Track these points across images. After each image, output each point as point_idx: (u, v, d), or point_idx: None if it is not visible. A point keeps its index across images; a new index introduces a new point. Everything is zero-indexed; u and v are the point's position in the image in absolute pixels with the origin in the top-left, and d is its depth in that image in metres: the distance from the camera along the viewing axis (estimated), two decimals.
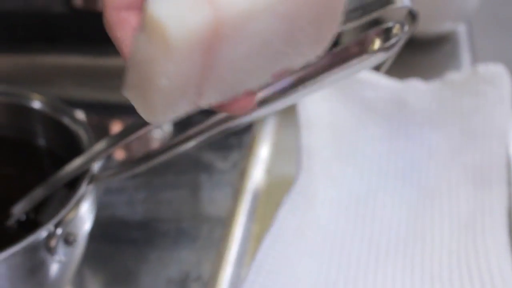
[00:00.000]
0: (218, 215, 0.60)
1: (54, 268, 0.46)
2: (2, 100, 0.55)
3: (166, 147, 0.47)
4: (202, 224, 0.59)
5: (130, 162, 0.48)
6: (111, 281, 0.57)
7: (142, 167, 0.48)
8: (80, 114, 0.53)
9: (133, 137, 0.46)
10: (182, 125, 0.46)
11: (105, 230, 0.58)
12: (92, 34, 0.85)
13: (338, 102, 0.63)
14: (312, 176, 0.56)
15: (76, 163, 0.48)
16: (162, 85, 0.33)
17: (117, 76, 0.89)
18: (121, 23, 0.36)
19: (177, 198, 0.62)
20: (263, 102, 0.42)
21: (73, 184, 0.48)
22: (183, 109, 0.35)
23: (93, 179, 0.47)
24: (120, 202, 0.61)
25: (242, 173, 0.64)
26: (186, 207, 0.62)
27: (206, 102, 0.35)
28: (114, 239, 0.59)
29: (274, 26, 0.33)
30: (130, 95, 0.35)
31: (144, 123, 0.45)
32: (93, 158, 0.47)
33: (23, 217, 0.51)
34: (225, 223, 0.59)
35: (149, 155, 0.47)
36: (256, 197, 0.62)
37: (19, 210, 0.50)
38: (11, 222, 0.50)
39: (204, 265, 0.56)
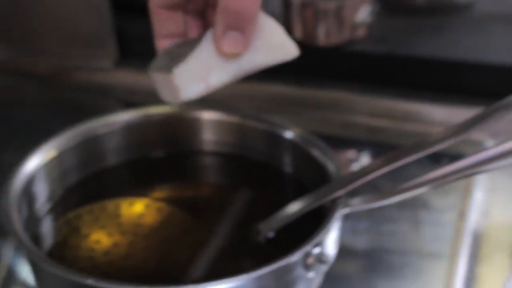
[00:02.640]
0: (440, 251, 0.63)
1: (304, 284, 0.50)
2: (260, 127, 0.61)
3: (415, 185, 0.50)
4: (426, 259, 0.62)
5: (379, 195, 0.51)
6: None
7: (390, 201, 0.51)
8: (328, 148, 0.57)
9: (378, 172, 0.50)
10: None
11: None
12: (309, 68, 0.90)
13: None
14: None
15: (330, 189, 0.52)
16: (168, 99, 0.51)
17: (329, 108, 0.93)
18: (158, 18, 0.50)
19: (398, 231, 0.65)
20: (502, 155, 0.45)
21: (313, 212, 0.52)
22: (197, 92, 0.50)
23: (346, 205, 0.52)
24: (345, 230, 0.65)
25: (460, 215, 0.67)
26: (408, 241, 0.64)
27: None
28: (340, 265, 0.62)
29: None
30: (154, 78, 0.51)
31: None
32: (345, 186, 0.51)
33: (272, 235, 0.55)
34: (448, 261, 0.61)
35: (398, 190, 0.51)
36: (476, 239, 0.64)
37: (266, 227, 0.55)
38: (260, 238, 0.55)
39: None
